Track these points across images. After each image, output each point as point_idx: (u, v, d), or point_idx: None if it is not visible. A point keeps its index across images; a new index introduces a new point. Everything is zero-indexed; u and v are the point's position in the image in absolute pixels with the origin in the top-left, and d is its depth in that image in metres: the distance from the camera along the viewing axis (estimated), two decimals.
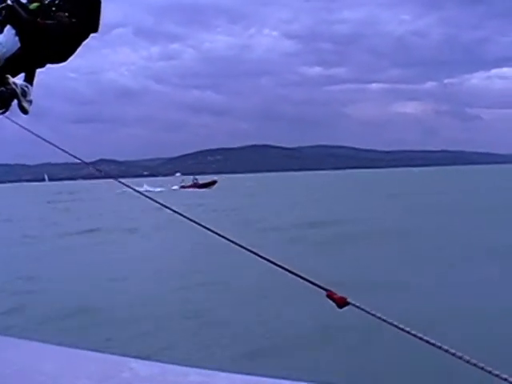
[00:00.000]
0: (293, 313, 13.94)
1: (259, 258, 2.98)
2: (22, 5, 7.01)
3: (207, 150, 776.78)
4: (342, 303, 2.91)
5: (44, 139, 7.28)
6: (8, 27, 6.95)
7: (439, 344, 2.55)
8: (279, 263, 2.96)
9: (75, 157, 6.28)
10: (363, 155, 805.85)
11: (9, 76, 6.53)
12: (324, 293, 2.93)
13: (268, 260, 2.97)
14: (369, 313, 2.72)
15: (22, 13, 7.02)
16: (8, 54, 6.78)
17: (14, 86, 6.49)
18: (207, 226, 3.61)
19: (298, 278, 2.99)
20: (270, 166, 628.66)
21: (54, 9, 7.30)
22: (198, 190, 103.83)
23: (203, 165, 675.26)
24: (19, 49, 7.08)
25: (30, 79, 7.15)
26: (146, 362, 3.59)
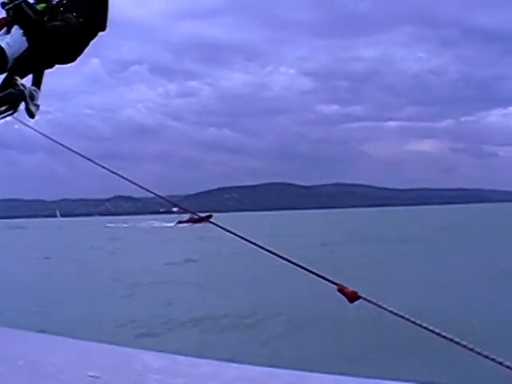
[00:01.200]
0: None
1: (277, 257, 3.03)
2: (29, 5, 7.06)
3: (223, 188, 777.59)
4: (353, 297, 2.93)
5: (59, 143, 7.34)
6: (15, 27, 6.96)
7: (457, 339, 2.56)
8: (294, 261, 3.01)
9: (92, 160, 6.31)
10: (379, 193, 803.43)
11: (17, 77, 6.56)
12: (335, 287, 2.96)
13: (285, 258, 3.02)
14: (380, 306, 2.74)
15: (30, 13, 7.05)
16: (16, 55, 6.80)
17: (22, 88, 6.53)
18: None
19: (311, 274, 3.03)
20: (287, 203, 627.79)
21: (61, 9, 7.35)
22: (193, 224, 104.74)
23: (219, 202, 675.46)
24: (27, 49, 7.10)
25: (37, 83, 7.17)
26: (158, 354, 3.59)
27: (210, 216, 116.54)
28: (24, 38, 6.84)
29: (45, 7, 7.18)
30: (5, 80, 6.98)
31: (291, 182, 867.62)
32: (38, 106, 6.78)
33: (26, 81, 7.07)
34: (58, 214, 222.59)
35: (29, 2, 7.13)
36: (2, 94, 6.70)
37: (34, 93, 6.73)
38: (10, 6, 6.98)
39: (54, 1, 7.49)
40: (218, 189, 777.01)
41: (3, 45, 6.81)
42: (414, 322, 2.74)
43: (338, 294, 2.92)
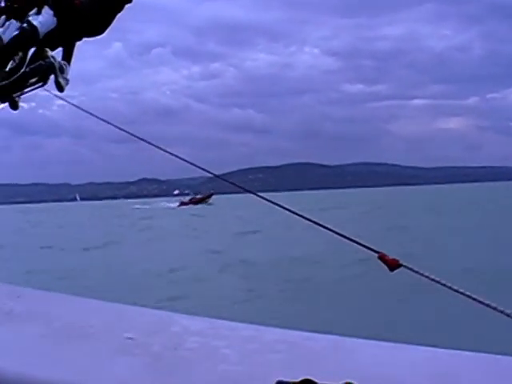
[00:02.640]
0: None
1: (319, 227, 2.98)
2: None
3: (249, 169, 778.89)
4: (393, 265, 2.87)
5: (90, 113, 7.35)
6: (46, 8, 7.03)
7: (501, 308, 2.50)
8: (336, 230, 2.95)
9: (121, 129, 6.32)
10: (405, 172, 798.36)
11: (47, 49, 6.61)
12: (375, 255, 2.90)
13: (326, 227, 2.97)
14: (422, 274, 2.68)
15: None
16: (46, 31, 6.89)
17: (52, 60, 6.57)
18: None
19: (352, 243, 2.97)
20: (312, 184, 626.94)
21: None
22: (195, 205, 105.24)
23: (244, 183, 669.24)
24: (56, 25, 7.17)
25: (67, 57, 7.22)
26: (196, 317, 3.58)
27: (211, 195, 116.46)
28: (55, 19, 6.92)
29: None
30: (35, 52, 7.03)
31: (316, 161, 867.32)
32: (67, 80, 6.80)
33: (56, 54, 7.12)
34: (77, 197, 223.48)
35: None
36: (33, 65, 6.74)
37: (64, 66, 6.77)
38: None
39: None
40: (243, 169, 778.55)
41: (36, 23, 6.91)
42: (458, 291, 2.68)
43: (379, 261, 2.88)
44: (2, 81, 6.91)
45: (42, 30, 7.01)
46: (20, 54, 6.95)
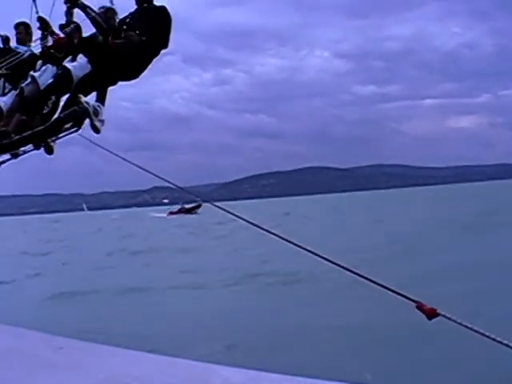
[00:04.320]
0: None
1: (351, 274, 3.04)
2: (97, 22, 7.33)
3: (261, 174, 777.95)
4: (431, 314, 2.94)
5: (118, 155, 7.45)
6: (80, 56, 7.27)
7: None
8: (371, 278, 3.01)
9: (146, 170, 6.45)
10: (418, 173, 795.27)
11: (81, 95, 6.82)
12: (414, 304, 2.96)
13: (360, 275, 3.02)
14: (460, 324, 2.74)
15: (103, 24, 7.35)
16: (80, 76, 7.07)
17: (86, 105, 6.75)
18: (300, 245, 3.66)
19: (388, 291, 3.03)
20: (324, 187, 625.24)
21: (124, 27, 7.45)
22: (184, 215, 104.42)
23: (257, 189, 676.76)
24: (91, 70, 7.34)
25: (101, 99, 7.39)
26: (236, 369, 3.62)
27: (199, 206, 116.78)
28: (88, 66, 7.14)
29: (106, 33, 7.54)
30: (69, 98, 7.22)
31: (328, 165, 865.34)
32: (102, 121, 6.99)
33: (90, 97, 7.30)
34: (84, 207, 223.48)
35: (99, 14, 7.40)
36: (67, 111, 6.92)
37: (98, 108, 6.95)
38: (78, 6, 7.32)
39: (117, 20, 7.76)
40: (255, 175, 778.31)
41: (70, 67, 7.13)
42: (494, 340, 2.74)
43: (417, 310, 2.94)
44: (38, 126, 7.10)
45: (75, 74, 7.21)
46: (53, 98, 7.11)
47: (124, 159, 6.46)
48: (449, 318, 2.77)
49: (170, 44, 7.83)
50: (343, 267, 3.03)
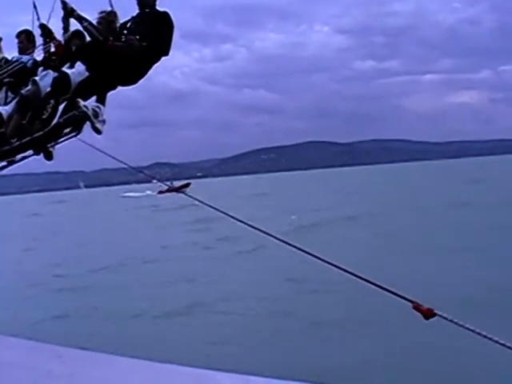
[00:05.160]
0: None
1: (345, 273, 3.04)
2: (93, 26, 7.31)
3: (261, 149, 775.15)
4: (428, 314, 2.96)
5: (120, 160, 7.50)
6: (78, 63, 7.34)
7: None
8: (366, 277, 3.02)
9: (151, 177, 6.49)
10: (418, 147, 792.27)
11: (79, 100, 6.88)
12: (410, 305, 2.98)
13: (354, 274, 3.03)
14: (457, 324, 2.76)
15: (95, 33, 7.38)
16: (78, 82, 7.11)
17: (84, 109, 6.75)
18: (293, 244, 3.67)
19: (385, 292, 3.05)
20: (325, 162, 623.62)
21: (125, 32, 7.44)
22: (172, 193, 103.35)
23: (257, 164, 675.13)
24: (90, 75, 7.37)
25: (101, 100, 7.38)
26: (233, 375, 3.64)
27: (188, 184, 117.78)
28: (86, 73, 7.18)
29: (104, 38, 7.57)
30: (68, 103, 7.26)
31: (329, 140, 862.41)
32: (103, 122, 7.01)
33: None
34: (81, 185, 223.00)
35: (93, 25, 7.36)
36: (66, 116, 7.00)
37: (98, 109, 6.99)
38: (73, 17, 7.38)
39: (118, 24, 7.74)
40: (255, 150, 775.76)
41: (68, 71, 7.17)
42: (491, 339, 2.75)
43: (414, 311, 2.95)
44: (38, 132, 7.12)
45: (74, 79, 7.25)
46: (52, 102, 7.13)
47: (117, 159, 6.54)
48: (445, 318, 2.80)
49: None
50: (334, 265, 3.03)
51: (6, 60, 8.57)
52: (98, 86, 7.34)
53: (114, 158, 7.64)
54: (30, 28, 8.48)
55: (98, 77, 7.29)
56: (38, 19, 8.21)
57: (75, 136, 7.28)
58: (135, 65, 7.31)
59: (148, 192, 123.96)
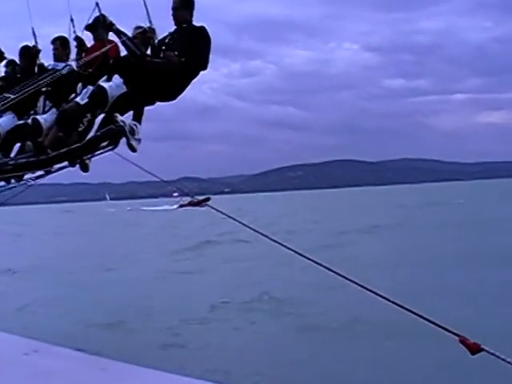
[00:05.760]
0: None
1: (392, 304, 3.03)
2: (133, 41, 7.33)
3: (288, 166, 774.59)
4: (475, 349, 2.94)
5: (154, 175, 7.52)
6: (117, 76, 7.35)
7: None
8: (414, 310, 3.01)
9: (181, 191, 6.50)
10: (447, 167, 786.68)
11: (117, 114, 6.88)
12: (457, 338, 2.96)
13: (402, 306, 3.02)
14: (504, 360, 2.73)
15: (133, 47, 7.39)
16: (115, 96, 7.12)
17: (122, 124, 6.78)
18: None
19: (431, 324, 3.03)
20: (352, 180, 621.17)
21: (163, 48, 7.50)
22: (193, 207, 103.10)
23: (284, 181, 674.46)
24: (128, 90, 7.37)
25: (138, 118, 7.42)
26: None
27: (208, 199, 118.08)
28: (124, 87, 7.18)
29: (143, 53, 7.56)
30: (105, 117, 7.32)
31: (357, 158, 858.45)
32: (139, 140, 7.01)
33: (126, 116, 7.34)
34: (107, 196, 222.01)
35: (132, 39, 7.39)
36: (104, 130, 7.08)
37: (135, 127, 7.00)
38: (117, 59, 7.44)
39: (157, 40, 7.74)
40: (283, 167, 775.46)
41: (105, 86, 7.18)
42: None
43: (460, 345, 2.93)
44: (74, 143, 7.15)
45: (111, 93, 7.30)
46: (88, 115, 7.18)
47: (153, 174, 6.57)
48: (492, 354, 2.76)
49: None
50: (375, 293, 3.01)
51: (42, 66, 8.68)
52: (136, 101, 7.38)
53: (148, 172, 7.66)
54: (65, 35, 8.58)
55: (135, 92, 7.31)
56: (74, 32, 8.35)
57: (112, 150, 7.30)
58: (174, 81, 7.30)
59: (166, 206, 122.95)
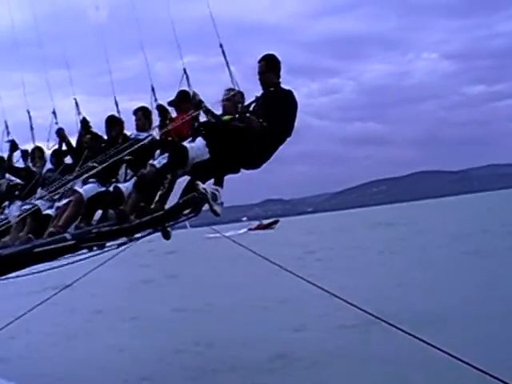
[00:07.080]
0: None
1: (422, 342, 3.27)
2: (214, 115, 7.58)
3: (371, 182, 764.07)
4: None
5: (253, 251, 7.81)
6: (200, 138, 7.50)
7: None
8: (472, 363, 3.23)
9: None
10: None
11: (199, 182, 6.86)
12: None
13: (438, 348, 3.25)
14: None
15: (214, 120, 7.57)
16: (196, 160, 7.32)
17: (204, 192, 6.80)
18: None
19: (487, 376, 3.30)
20: (437, 191, 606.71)
21: (247, 114, 7.50)
22: (262, 231, 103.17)
23: (367, 197, 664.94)
24: (210, 157, 7.49)
25: (219, 183, 7.30)
26: None
27: (277, 222, 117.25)
28: (206, 149, 7.28)
29: (230, 119, 7.60)
30: (188, 185, 7.39)
31: (440, 168, 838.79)
32: (221, 204, 7.12)
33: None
34: (187, 225, 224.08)
35: (216, 115, 7.57)
36: (186, 198, 7.11)
37: (217, 193, 7.01)
38: (202, 122, 7.61)
39: (240, 107, 7.82)
40: (366, 183, 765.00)
41: (187, 145, 7.37)
42: None
43: None
44: (157, 211, 7.21)
45: (191, 153, 7.45)
46: (169, 177, 7.25)
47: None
48: None
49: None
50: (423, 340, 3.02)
51: (125, 136, 8.91)
52: (219, 168, 7.31)
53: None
54: (146, 105, 8.93)
55: (217, 157, 7.21)
56: (156, 100, 8.69)
57: (194, 217, 7.35)
58: (255, 146, 7.18)
59: (234, 232, 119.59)
